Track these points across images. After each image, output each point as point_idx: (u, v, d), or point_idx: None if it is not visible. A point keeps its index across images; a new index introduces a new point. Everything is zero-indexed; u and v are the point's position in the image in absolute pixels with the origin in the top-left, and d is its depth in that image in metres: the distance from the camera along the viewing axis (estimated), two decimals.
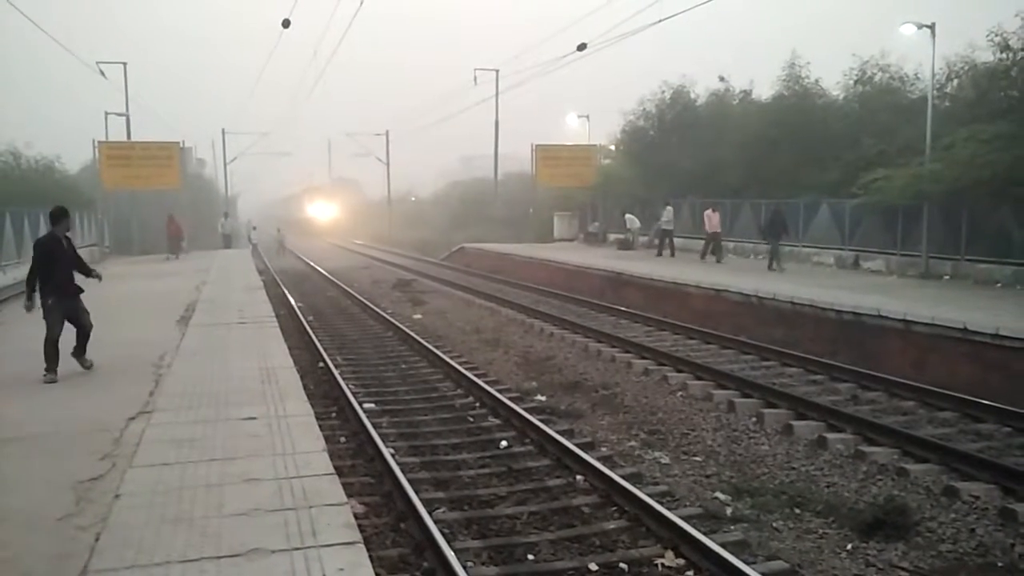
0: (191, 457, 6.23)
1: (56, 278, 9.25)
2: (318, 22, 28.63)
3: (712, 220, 24.23)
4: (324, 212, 77.53)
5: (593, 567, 5.93)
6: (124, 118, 35.60)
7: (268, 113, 57.25)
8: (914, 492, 7.45)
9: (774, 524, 6.83)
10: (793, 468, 8.24)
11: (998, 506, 7.02)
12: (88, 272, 9.89)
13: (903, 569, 5.98)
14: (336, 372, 11.96)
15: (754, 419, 9.87)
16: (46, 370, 9.04)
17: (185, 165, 35.79)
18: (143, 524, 4.90)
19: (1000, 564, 6.03)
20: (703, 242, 24.81)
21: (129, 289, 19.41)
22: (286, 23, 22.17)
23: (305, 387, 9.18)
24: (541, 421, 9.36)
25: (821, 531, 6.69)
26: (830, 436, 8.94)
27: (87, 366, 9.68)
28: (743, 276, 18.96)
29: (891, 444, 8.57)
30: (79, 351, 9.65)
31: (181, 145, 34.45)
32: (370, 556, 4.63)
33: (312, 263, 35.82)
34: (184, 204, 35.81)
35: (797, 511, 7.10)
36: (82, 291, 9.63)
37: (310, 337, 15.08)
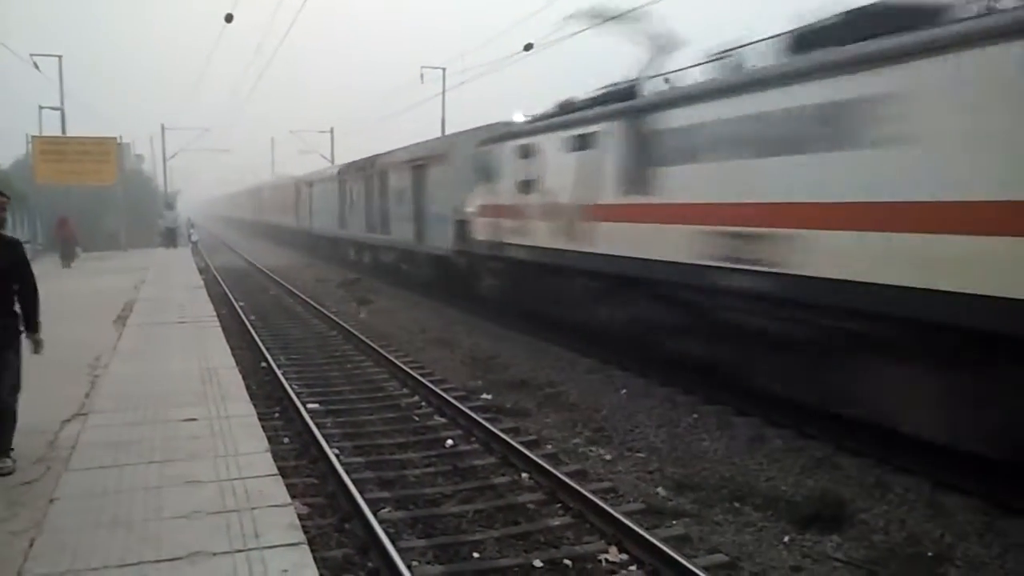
0: (129, 460, 6.12)
1: None
2: (261, 17, 28.24)
3: None
4: None
5: (538, 564, 5.98)
6: (59, 112, 34.60)
7: (209, 109, 56.03)
8: (848, 485, 7.67)
9: (715, 518, 6.98)
10: (733, 463, 8.42)
11: (927, 498, 7.26)
12: (30, 320, 6.24)
13: (837, 560, 6.16)
14: (279, 372, 11.82)
15: (695, 415, 10.04)
16: None
17: (122, 161, 34.87)
18: (79, 528, 4.80)
19: (930, 554, 6.24)
20: None
21: (63, 287, 18.87)
22: (229, 18, 21.85)
23: (247, 387, 9.07)
24: (487, 419, 9.40)
25: (760, 524, 6.85)
26: (768, 431, 9.14)
27: (6, 470, 5.96)
28: None
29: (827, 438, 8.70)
30: None
31: (118, 140, 33.65)
32: (314, 557, 4.61)
33: (253, 262, 35.27)
34: (121, 201, 34.95)
35: (737, 505, 7.26)
36: (19, 331, 6.21)
37: (252, 337, 14.86)
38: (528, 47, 25.48)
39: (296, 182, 41.16)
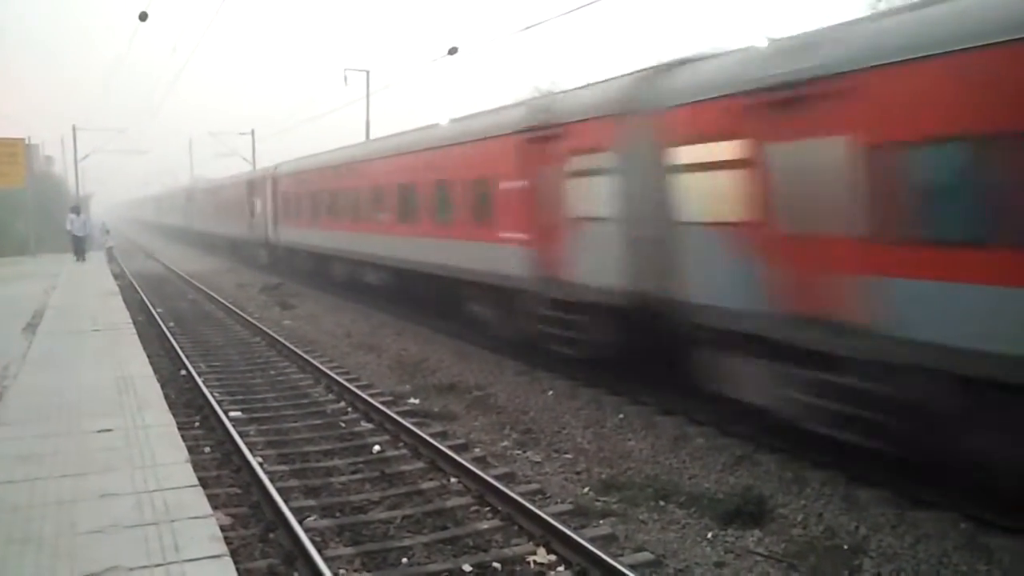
0: (40, 474, 5.88)
1: None
2: (178, 15, 27.50)
3: None
4: None
5: (467, 568, 5.98)
6: None
7: (124, 110, 54.21)
8: (768, 481, 7.88)
9: (640, 517, 7.09)
10: (658, 462, 8.56)
11: (842, 492, 7.51)
12: None
13: (759, 554, 6.33)
14: (199, 380, 11.52)
15: (621, 416, 10.18)
16: None
17: (31, 163, 33.46)
18: None
19: (846, 546, 6.47)
20: None
21: None
22: (143, 16, 21.17)
23: (166, 396, 8.83)
24: (414, 424, 9.34)
25: (684, 521, 6.99)
26: (691, 430, 9.33)
27: None
28: None
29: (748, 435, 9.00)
30: None
31: (27, 142, 32.33)
32: (238, 569, 4.53)
33: (172, 267, 34.30)
34: (30, 205, 33.51)
35: (662, 503, 7.39)
36: None
37: (171, 344, 14.46)
38: (453, 51, 25.44)
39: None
